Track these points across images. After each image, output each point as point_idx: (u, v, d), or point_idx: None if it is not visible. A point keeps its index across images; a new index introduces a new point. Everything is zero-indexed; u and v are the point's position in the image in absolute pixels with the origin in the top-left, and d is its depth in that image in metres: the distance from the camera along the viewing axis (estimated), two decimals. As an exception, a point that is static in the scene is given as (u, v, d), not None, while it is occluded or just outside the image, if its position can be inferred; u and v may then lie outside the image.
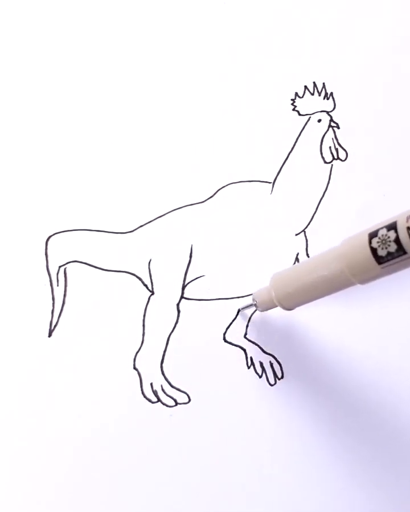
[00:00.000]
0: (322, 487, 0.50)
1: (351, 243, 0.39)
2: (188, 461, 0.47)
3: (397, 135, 0.53)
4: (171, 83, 0.49)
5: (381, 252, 0.36)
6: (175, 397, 0.47)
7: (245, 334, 0.49)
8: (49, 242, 0.45)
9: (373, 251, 0.36)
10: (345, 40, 0.53)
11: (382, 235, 0.36)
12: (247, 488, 0.48)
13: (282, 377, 0.49)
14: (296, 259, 0.51)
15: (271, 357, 0.49)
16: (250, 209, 0.50)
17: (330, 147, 0.52)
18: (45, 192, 0.46)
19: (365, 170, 0.53)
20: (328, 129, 0.52)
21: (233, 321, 0.49)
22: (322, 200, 0.52)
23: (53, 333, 0.45)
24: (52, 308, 0.45)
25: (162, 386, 0.47)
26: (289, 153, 0.51)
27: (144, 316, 0.47)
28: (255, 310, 0.48)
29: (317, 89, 0.52)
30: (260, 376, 0.49)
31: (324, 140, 0.52)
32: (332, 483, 0.50)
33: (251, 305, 0.47)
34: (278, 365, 0.49)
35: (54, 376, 0.45)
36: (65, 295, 0.45)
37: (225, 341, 0.49)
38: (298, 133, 0.51)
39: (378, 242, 0.36)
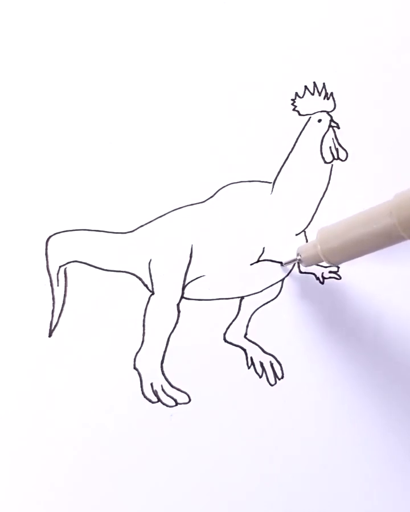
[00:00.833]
0: (322, 487, 0.50)
1: (403, 196, 0.37)
2: (189, 461, 0.47)
3: (397, 135, 0.53)
4: (171, 83, 0.49)
5: None
6: (175, 397, 0.47)
7: (245, 334, 0.49)
8: (49, 242, 0.45)
9: None
10: (345, 40, 0.53)
11: None
12: (247, 488, 0.48)
13: (282, 377, 0.49)
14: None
15: (271, 357, 0.49)
16: (250, 209, 0.50)
17: (330, 147, 0.52)
18: (45, 191, 0.46)
19: (365, 170, 0.53)
20: (328, 129, 0.52)
21: (233, 320, 0.49)
22: (322, 200, 0.52)
23: (53, 333, 0.45)
24: (52, 308, 0.45)
25: (162, 386, 0.47)
26: (289, 153, 0.51)
27: (144, 316, 0.47)
28: (295, 264, 0.48)
29: (317, 89, 0.52)
30: (260, 376, 0.49)
31: (324, 140, 0.52)
32: (332, 483, 0.50)
33: (295, 259, 0.47)
34: (278, 365, 0.49)
35: (54, 376, 0.45)
36: (65, 295, 0.45)
37: (225, 341, 0.49)
38: (298, 133, 0.51)
39: None
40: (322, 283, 0.51)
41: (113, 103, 0.47)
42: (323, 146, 0.52)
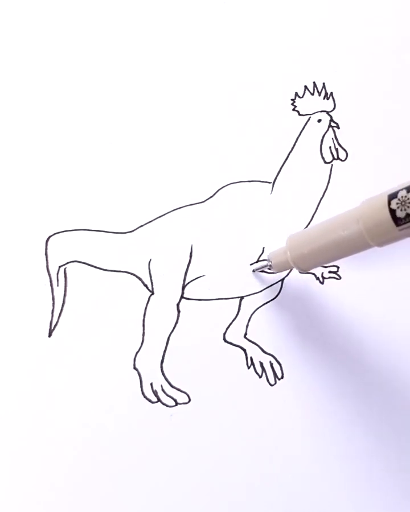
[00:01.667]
0: (322, 487, 0.50)
1: (370, 204, 0.37)
2: (189, 461, 0.47)
3: (397, 134, 0.53)
4: (171, 84, 0.49)
5: (400, 214, 0.35)
6: (175, 397, 0.47)
7: (245, 334, 0.49)
8: (49, 242, 0.45)
9: (392, 212, 0.35)
10: (345, 40, 0.53)
11: (402, 197, 0.35)
12: (247, 488, 0.48)
13: (282, 377, 0.49)
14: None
15: (271, 357, 0.49)
16: (250, 209, 0.50)
17: (330, 147, 0.52)
18: (45, 191, 0.46)
19: (365, 170, 0.53)
20: (328, 129, 0.52)
21: (233, 320, 0.49)
22: (322, 200, 0.52)
23: (53, 333, 0.45)
24: (52, 308, 0.45)
25: (162, 386, 0.47)
26: (289, 153, 0.51)
27: (144, 316, 0.47)
28: (269, 272, 0.48)
29: (317, 89, 0.52)
30: (260, 376, 0.49)
31: (324, 140, 0.52)
32: (332, 483, 0.50)
33: (265, 266, 0.47)
34: (278, 365, 0.49)
35: (54, 376, 0.45)
36: (65, 295, 0.45)
37: (225, 341, 0.49)
38: (298, 133, 0.51)
39: (397, 204, 0.35)
40: (322, 282, 0.51)
41: (113, 103, 0.47)
42: (323, 146, 0.52)
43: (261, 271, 0.49)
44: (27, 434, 0.44)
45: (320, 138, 0.52)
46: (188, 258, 0.48)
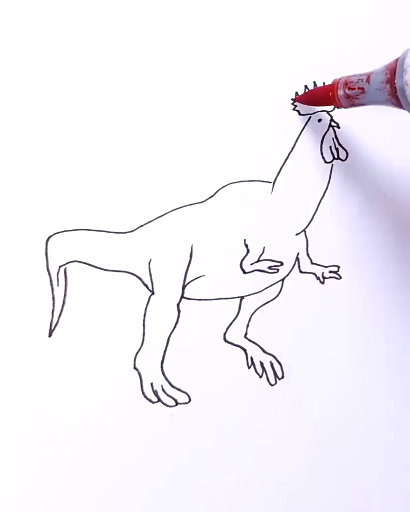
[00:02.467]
0: (322, 487, 0.50)
1: None
2: (188, 460, 0.47)
3: (397, 134, 0.53)
4: (171, 83, 0.48)
5: None
6: (175, 397, 0.47)
7: (245, 334, 0.49)
8: (49, 242, 0.45)
9: None
10: (345, 40, 0.53)
11: None
12: (247, 488, 0.48)
13: (282, 377, 0.50)
14: (297, 259, 0.51)
15: (271, 357, 0.49)
16: (250, 209, 0.50)
17: (330, 147, 0.52)
18: (45, 191, 0.46)
19: (365, 170, 0.53)
20: (328, 129, 0.52)
21: (233, 320, 0.49)
22: (322, 200, 0.52)
23: (53, 333, 0.45)
24: (52, 308, 0.45)
25: (162, 386, 0.47)
26: (289, 153, 0.51)
27: (144, 316, 0.47)
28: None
29: (317, 88, 0.52)
30: (260, 376, 0.49)
31: (324, 140, 0.52)
32: (333, 483, 0.50)
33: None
34: (278, 365, 0.49)
35: (54, 376, 0.45)
36: (65, 295, 0.45)
37: (226, 340, 0.49)
38: (298, 134, 0.51)
39: None
40: (322, 282, 0.51)
41: (113, 104, 0.47)
42: (323, 146, 0.52)
43: (261, 271, 0.49)
44: (27, 434, 0.44)
45: (320, 138, 0.52)
46: (188, 258, 0.48)
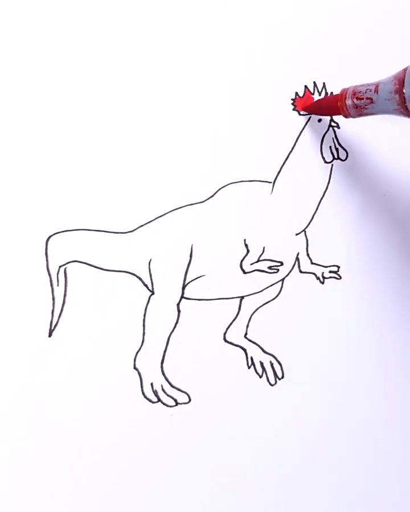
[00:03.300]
0: (322, 486, 0.50)
1: None
2: (189, 460, 0.47)
3: (397, 134, 0.53)
4: (171, 83, 0.48)
5: None
6: (175, 397, 0.47)
7: (245, 334, 0.49)
8: (49, 242, 0.45)
9: None
10: (345, 40, 0.53)
11: None
12: (248, 488, 0.48)
13: (282, 377, 0.50)
14: (297, 259, 0.51)
15: (271, 357, 0.49)
16: (250, 209, 0.50)
17: (330, 147, 0.52)
18: (45, 191, 0.46)
19: (365, 170, 0.53)
20: (328, 129, 0.52)
21: (233, 320, 0.49)
22: (322, 200, 0.52)
23: (53, 333, 0.45)
24: (52, 308, 0.45)
25: (162, 386, 0.47)
26: (289, 153, 0.51)
27: (144, 316, 0.47)
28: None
29: (317, 88, 0.52)
30: (260, 376, 0.49)
31: (324, 140, 0.52)
32: (333, 482, 0.50)
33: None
34: (278, 365, 0.49)
35: (54, 376, 0.45)
36: (65, 295, 0.45)
37: (226, 340, 0.49)
38: (298, 134, 0.51)
39: None
40: (322, 282, 0.51)
41: (113, 104, 0.47)
42: (323, 146, 0.52)
43: (261, 271, 0.49)
44: (27, 434, 0.44)
45: (320, 138, 0.52)
46: (188, 258, 0.48)
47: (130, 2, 0.48)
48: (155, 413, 0.46)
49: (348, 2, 0.53)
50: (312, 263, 0.51)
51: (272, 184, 0.50)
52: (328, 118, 0.52)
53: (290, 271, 0.50)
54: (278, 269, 0.50)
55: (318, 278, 0.51)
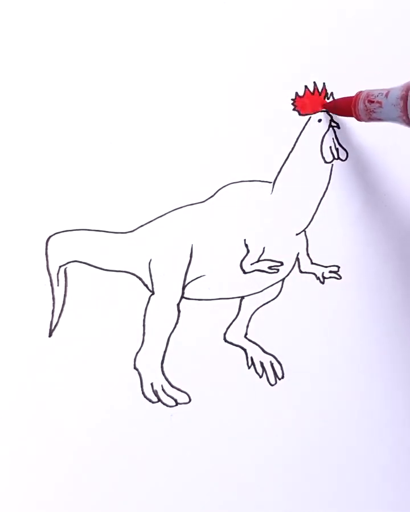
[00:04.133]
0: (323, 487, 0.50)
1: None
2: (189, 460, 0.47)
3: (397, 134, 0.53)
4: (171, 83, 0.48)
5: None
6: (175, 397, 0.47)
7: (245, 334, 0.49)
8: (49, 242, 0.45)
9: None
10: (345, 40, 0.53)
11: None
12: (247, 487, 0.48)
13: (283, 377, 0.50)
14: (297, 259, 0.51)
15: (271, 357, 0.49)
16: (250, 209, 0.50)
17: (330, 147, 0.52)
18: (45, 191, 0.46)
19: (365, 170, 0.53)
20: (328, 129, 0.52)
21: (233, 320, 0.49)
22: (322, 200, 0.52)
23: (53, 333, 0.45)
24: (52, 308, 0.45)
25: (162, 386, 0.47)
26: (289, 153, 0.51)
27: (144, 316, 0.47)
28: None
29: (317, 88, 0.52)
30: (260, 376, 0.49)
31: (324, 140, 0.52)
32: (333, 483, 0.50)
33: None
34: (278, 365, 0.49)
35: (54, 376, 0.45)
36: (65, 295, 0.45)
37: (226, 340, 0.49)
38: (298, 134, 0.51)
39: None
40: (322, 282, 0.51)
41: (113, 104, 0.47)
42: (323, 146, 0.52)
43: (261, 271, 0.49)
44: (27, 434, 0.44)
45: (320, 138, 0.52)
46: (188, 258, 0.48)
47: (130, 2, 0.48)
48: (155, 413, 0.46)
49: (348, 2, 0.53)
50: (312, 263, 0.51)
51: (272, 184, 0.50)
52: (328, 117, 0.52)
53: (290, 271, 0.50)
54: (278, 269, 0.50)
55: (318, 278, 0.51)
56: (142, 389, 0.46)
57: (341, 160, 0.52)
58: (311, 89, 0.51)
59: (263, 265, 0.50)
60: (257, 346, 0.49)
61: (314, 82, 0.52)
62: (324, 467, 0.50)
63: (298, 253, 0.51)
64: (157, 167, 0.48)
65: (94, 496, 0.45)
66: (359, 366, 0.52)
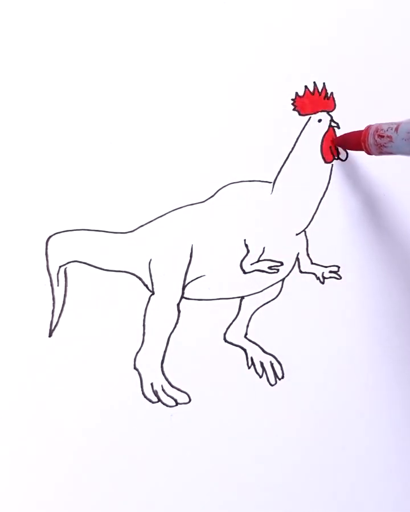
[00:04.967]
0: (323, 487, 0.50)
1: None
2: (189, 460, 0.47)
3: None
4: (171, 83, 0.48)
5: None
6: (175, 397, 0.47)
7: (246, 334, 0.49)
8: (49, 242, 0.45)
9: None
10: (345, 40, 0.53)
11: None
12: (247, 488, 0.48)
13: (283, 377, 0.50)
14: (297, 259, 0.51)
15: (271, 357, 0.49)
16: (250, 209, 0.50)
17: (330, 147, 0.52)
18: (45, 191, 0.46)
19: (365, 170, 0.53)
20: (328, 129, 0.52)
21: (233, 320, 0.49)
22: (322, 200, 0.52)
23: (53, 333, 0.45)
24: (52, 308, 0.45)
25: (162, 386, 0.47)
26: (289, 153, 0.51)
27: (144, 316, 0.47)
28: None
29: (317, 88, 0.52)
30: (260, 376, 0.49)
31: (324, 140, 0.52)
32: (333, 483, 0.50)
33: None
34: (278, 365, 0.49)
35: (54, 376, 0.45)
36: (65, 295, 0.45)
37: (226, 341, 0.49)
38: (298, 134, 0.51)
39: None
40: (322, 282, 0.51)
41: (113, 104, 0.47)
42: (323, 146, 0.52)
43: (261, 271, 0.49)
44: (27, 434, 0.44)
45: (320, 138, 0.52)
46: (188, 258, 0.48)
47: (130, 2, 0.48)
48: (155, 413, 0.46)
49: (349, 2, 0.53)
50: (312, 263, 0.51)
51: (272, 184, 0.50)
52: (328, 117, 0.52)
53: (290, 271, 0.50)
54: (278, 269, 0.50)
55: (318, 278, 0.51)
56: (142, 390, 0.46)
57: (341, 160, 0.52)
58: (311, 89, 0.52)
59: (263, 265, 0.50)
60: (257, 346, 0.49)
61: (314, 82, 0.52)
62: (324, 467, 0.50)
63: (298, 253, 0.51)
64: (157, 167, 0.48)
65: (94, 496, 0.45)
66: (358, 365, 0.52)
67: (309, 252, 0.51)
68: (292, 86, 0.51)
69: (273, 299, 0.50)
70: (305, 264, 0.51)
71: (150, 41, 0.48)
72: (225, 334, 0.49)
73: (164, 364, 0.47)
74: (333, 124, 0.52)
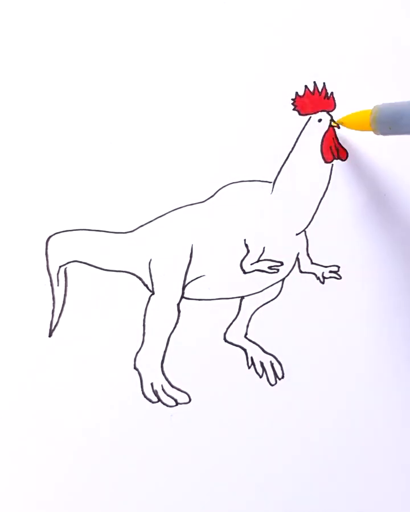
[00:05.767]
0: (323, 487, 0.50)
1: None
2: (189, 461, 0.47)
3: (397, 135, 0.53)
4: (171, 83, 0.48)
5: None
6: (175, 397, 0.47)
7: (246, 334, 0.49)
8: (49, 242, 0.45)
9: None
10: (345, 40, 0.53)
11: None
12: (248, 488, 0.48)
13: (283, 377, 0.50)
14: (297, 259, 0.51)
15: (271, 357, 0.49)
16: (250, 209, 0.50)
17: (330, 147, 0.52)
18: (45, 191, 0.46)
19: (365, 170, 0.53)
20: (328, 129, 0.52)
21: (233, 320, 0.49)
22: (322, 200, 0.52)
23: (54, 333, 0.45)
24: (52, 308, 0.45)
25: (162, 386, 0.47)
26: (289, 153, 0.51)
27: (144, 316, 0.47)
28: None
29: (317, 88, 0.52)
30: (260, 376, 0.49)
31: (324, 140, 0.52)
32: (333, 483, 0.50)
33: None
34: (278, 365, 0.49)
35: (54, 376, 0.45)
36: (65, 295, 0.45)
37: (226, 340, 0.49)
38: (298, 134, 0.51)
39: None
40: (322, 282, 0.51)
41: (113, 103, 0.47)
42: (323, 146, 0.52)
43: (261, 271, 0.49)
44: (27, 434, 0.44)
45: (320, 138, 0.52)
46: (188, 258, 0.48)
47: (130, 2, 0.48)
48: (155, 413, 0.46)
49: (349, 2, 0.53)
50: (312, 263, 0.51)
51: (272, 184, 0.50)
52: (328, 117, 0.52)
53: (290, 271, 0.50)
54: (278, 269, 0.50)
55: (318, 278, 0.51)
56: (142, 389, 0.46)
57: (341, 160, 0.52)
58: (311, 89, 0.51)
59: (263, 265, 0.50)
60: (257, 346, 0.49)
61: (314, 82, 0.52)
62: (324, 467, 0.50)
63: (298, 253, 0.51)
64: (157, 167, 0.48)
65: (94, 496, 0.45)
66: (359, 365, 0.52)
67: (309, 252, 0.51)
68: (292, 86, 0.51)
69: (273, 299, 0.50)
70: (305, 264, 0.51)
71: (150, 41, 0.48)
72: (225, 334, 0.49)
73: (164, 364, 0.47)
74: (333, 124, 0.52)
